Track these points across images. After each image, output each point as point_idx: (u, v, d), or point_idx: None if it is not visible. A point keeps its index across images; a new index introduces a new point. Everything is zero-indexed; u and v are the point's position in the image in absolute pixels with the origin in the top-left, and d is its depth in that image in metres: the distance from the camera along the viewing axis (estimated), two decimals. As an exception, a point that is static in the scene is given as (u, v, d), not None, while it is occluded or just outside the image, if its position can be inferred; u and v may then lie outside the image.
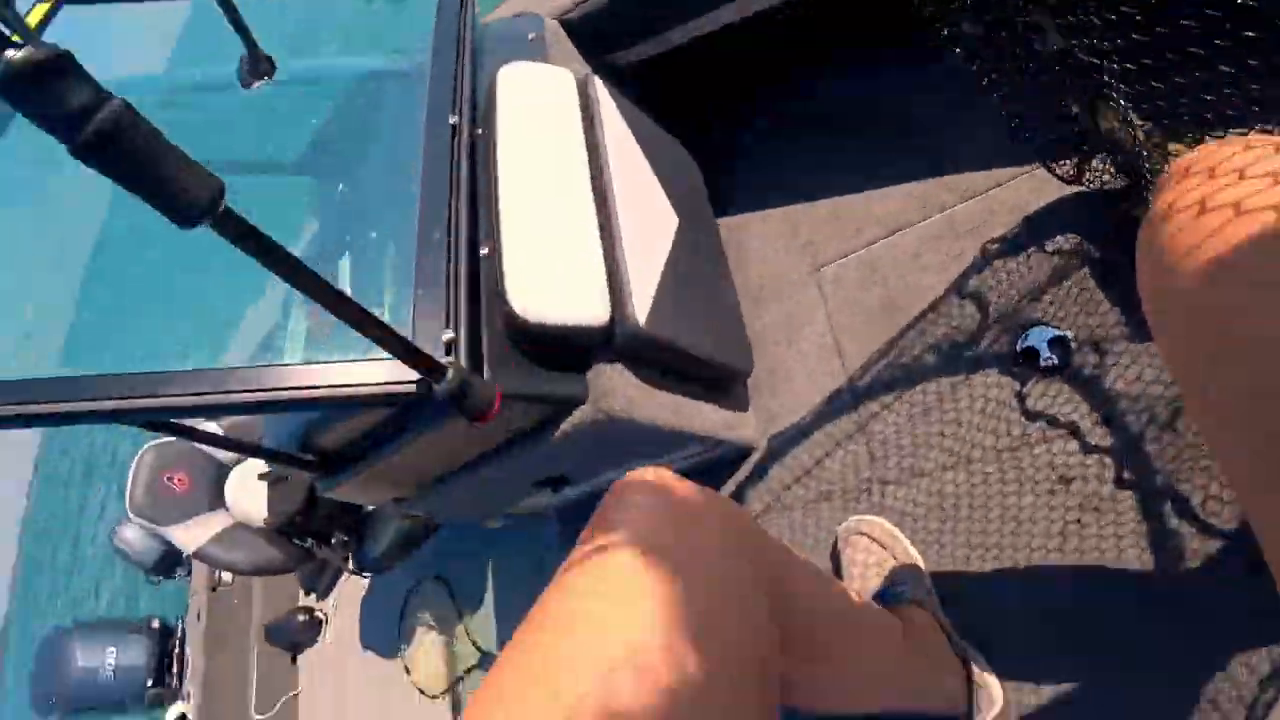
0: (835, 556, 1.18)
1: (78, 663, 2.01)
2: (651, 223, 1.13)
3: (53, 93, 0.42)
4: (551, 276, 0.94)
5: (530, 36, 1.30)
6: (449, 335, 0.86)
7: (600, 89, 1.20)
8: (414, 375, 0.80)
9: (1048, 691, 0.99)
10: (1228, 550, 0.90)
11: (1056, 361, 1.06)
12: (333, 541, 1.82)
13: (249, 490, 1.70)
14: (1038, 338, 1.09)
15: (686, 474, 1.39)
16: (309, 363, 0.82)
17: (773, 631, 0.55)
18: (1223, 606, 0.88)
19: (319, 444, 1.13)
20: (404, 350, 0.73)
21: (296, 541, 1.76)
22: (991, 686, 1.00)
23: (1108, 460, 0.98)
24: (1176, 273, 0.39)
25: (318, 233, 1.35)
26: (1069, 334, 1.07)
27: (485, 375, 0.88)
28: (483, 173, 1.06)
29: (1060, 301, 1.10)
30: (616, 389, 0.99)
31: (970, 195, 1.23)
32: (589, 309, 0.94)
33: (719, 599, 0.50)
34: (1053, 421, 1.04)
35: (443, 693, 1.86)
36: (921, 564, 1.10)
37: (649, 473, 0.59)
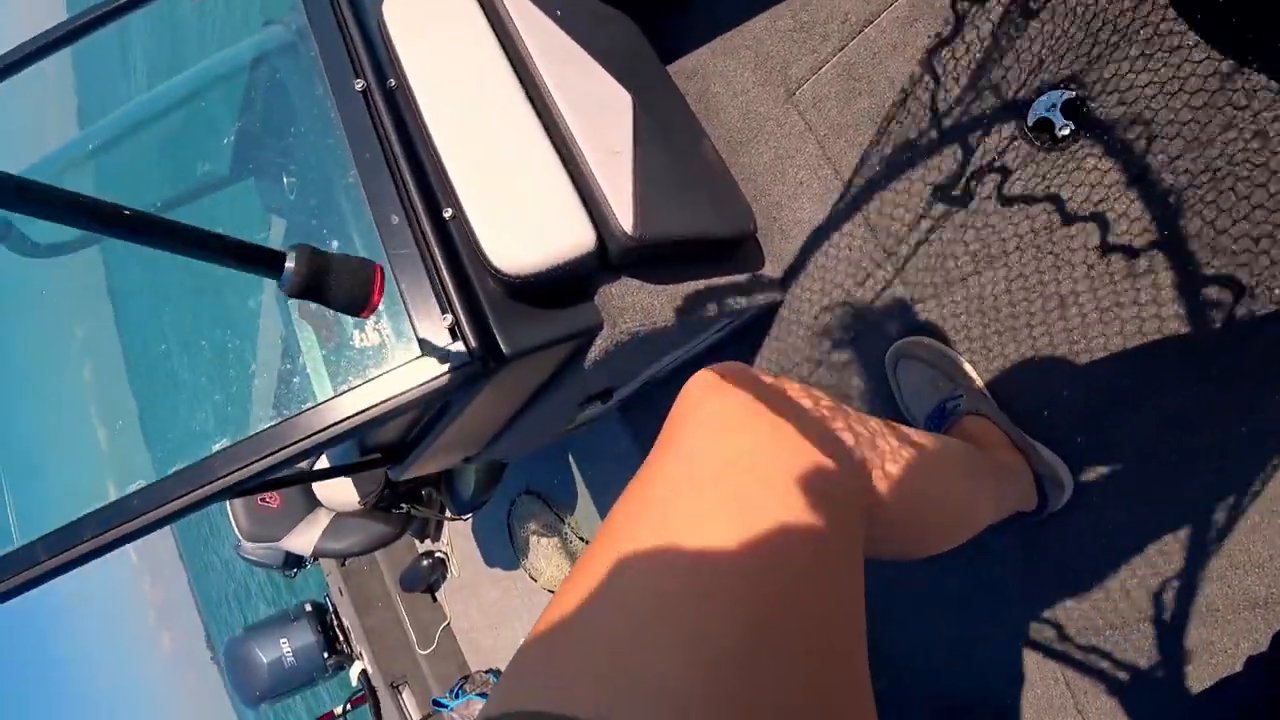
0: (887, 383, 1.19)
1: (262, 659, 2.28)
2: (605, 115, 1.04)
3: None
4: (525, 221, 0.89)
5: None
6: (449, 320, 0.84)
7: (497, -19, 1.06)
8: (465, 357, 0.80)
9: (1111, 465, 1.01)
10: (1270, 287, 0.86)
11: (1074, 126, 0.97)
12: (424, 497, 1.94)
13: (334, 483, 1.79)
14: (1048, 106, 0.99)
15: (722, 345, 1.39)
16: (366, 382, 0.83)
17: (860, 501, 0.54)
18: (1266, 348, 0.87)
19: (376, 443, 1.17)
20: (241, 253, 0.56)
21: (395, 511, 1.88)
22: (1058, 471, 1.03)
23: (1146, 219, 0.92)
24: None
25: (287, 231, 1.31)
26: (1081, 92, 0.97)
27: (499, 342, 0.87)
28: (413, 127, 0.98)
29: (1064, 52, 0.98)
30: (629, 304, 0.97)
31: (937, -48, 1.08)
32: (573, 239, 0.90)
33: (804, 486, 0.47)
34: (1080, 193, 0.97)
35: (571, 587, 2.04)
36: (972, 372, 1.10)
37: (717, 374, 0.55)
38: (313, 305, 1.06)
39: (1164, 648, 1.01)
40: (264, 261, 0.57)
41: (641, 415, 1.66)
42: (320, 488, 1.84)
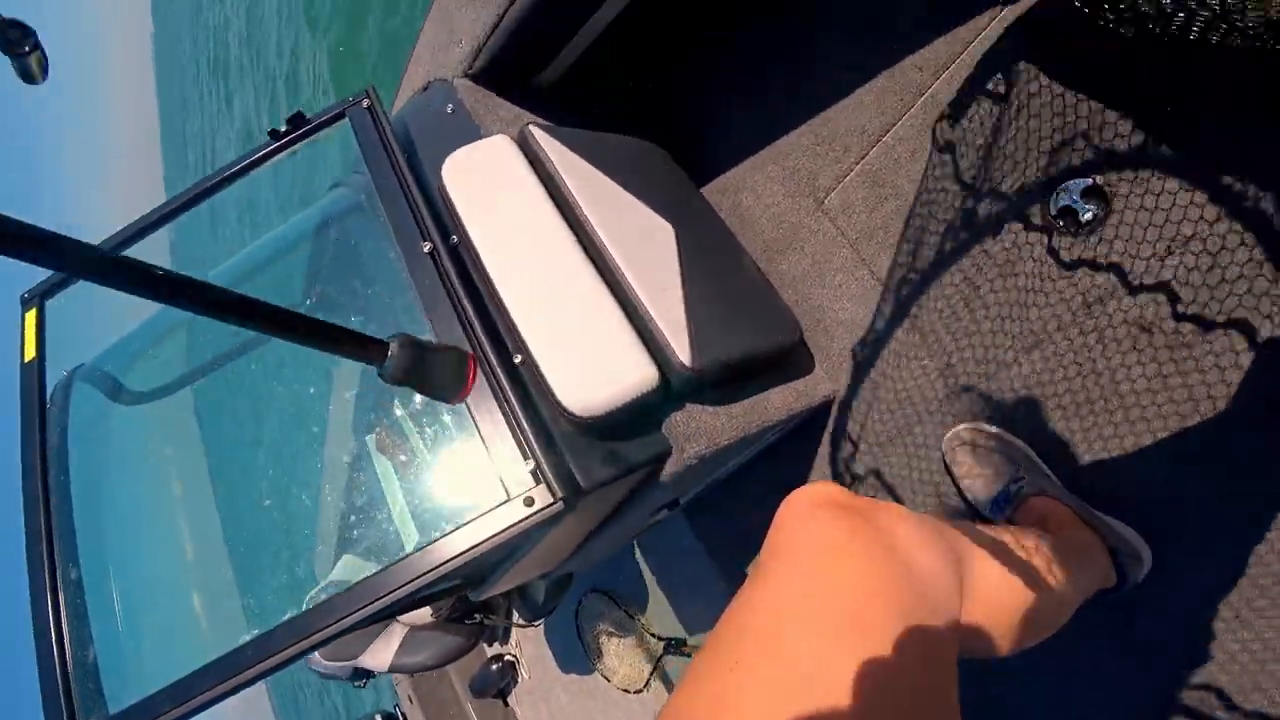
0: (949, 473, 1.21)
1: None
2: (650, 251, 1.12)
3: None
4: (593, 365, 0.95)
5: (449, 110, 1.27)
6: (531, 464, 0.90)
7: (540, 137, 1.16)
8: (549, 498, 0.85)
9: (1188, 530, 1.01)
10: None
11: (1097, 212, 1.02)
12: (494, 605, 1.96)
13: (405, 599, 1.83)
14: (1069, 195, 1.04)
15: (781, 443, 1.42)
16: (456, 529, 0.87)
17: (954, 610, 0.56)
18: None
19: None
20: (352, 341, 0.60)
21: (467, 622, 1.90)
22: (1133, 544, 1.03)
23: (1184, 292, 0.95)
24: None
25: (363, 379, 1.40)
26: (1096, 179, 1.02)
27: (576, 478, 0.93)
28: (478, 280, 1.07)
29: (1078, 143, 1.04)
30: (694, 429, 1.02)
31: (942, 66, 1.15)
32: (638, 377, 0.96)
33: (905, 605, 0.50)
34: (1113, 273, 1.01)
35: (644, 686, 2.02)
36: (1031, 453, 1.11)
37: (811, 499, 0.58)
38: (397, 452, 1.13)
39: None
40: (368, 349, 0.59)
41: (705, 513, 1.68)
42: (393, 604, 1.88)
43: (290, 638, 0.90)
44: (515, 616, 2.03)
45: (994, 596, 0.67)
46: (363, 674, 2.46)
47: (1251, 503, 0.95)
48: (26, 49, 0.75)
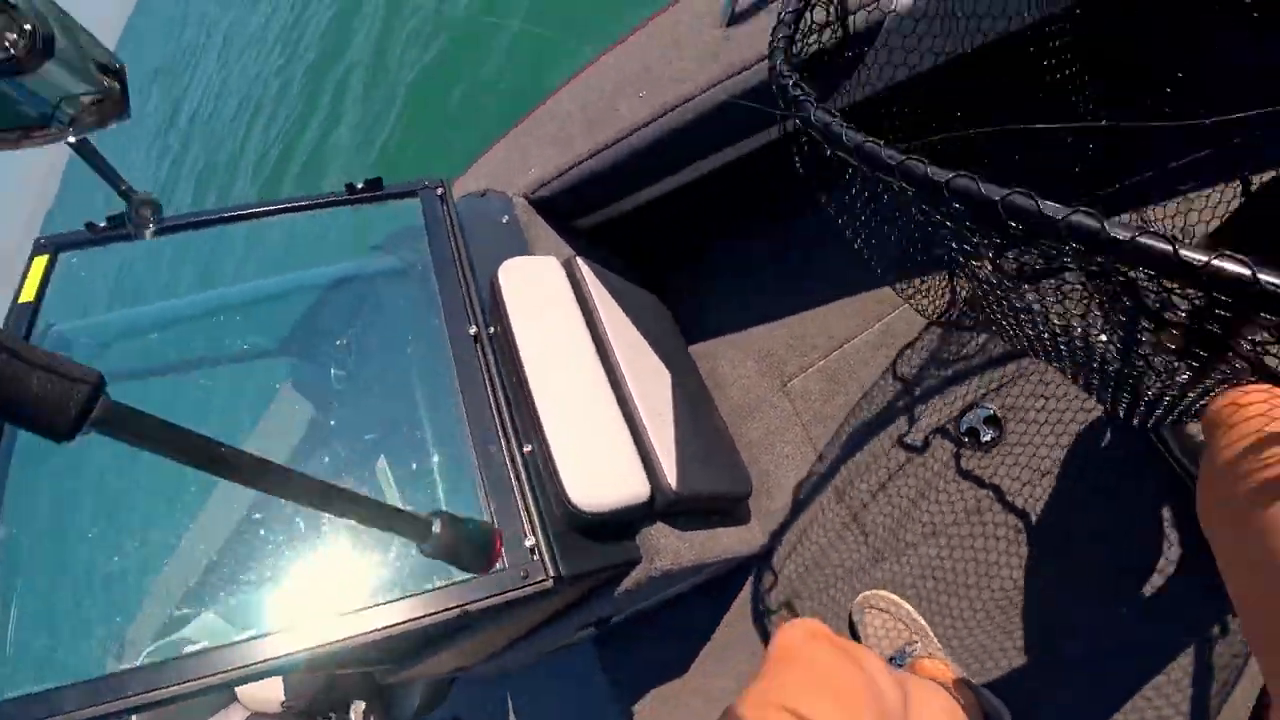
0: (852, 629, 1.38)
1: None
2: (654, 385, 1.30)
3: None
4: (600, 471, 1.08)
5: (504, 220, 1.45)
6: (530, 541, 0.98)
7: (584, 269, 1.36)
8: (542, 574, 0.92)
9: (1057, 694, 1.21)
10: (1158, 546, 1.17)
11: (994, 435, 1.32)
12: (350, 712, 1.82)
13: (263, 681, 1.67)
14: (975, 419, 1.34)
15: (707, 585, 1.54)
16: (439, 588, 0.91)
17: None
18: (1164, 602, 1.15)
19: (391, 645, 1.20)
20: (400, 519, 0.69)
21: (318, 719, 1.74)
22: (1001, 713, 1.22)
23: (1051, 507, 1.24)
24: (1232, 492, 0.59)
25: (338, 421, 1.43)
26: (995, 410, 1.33)
27: (559, 565, 1.01)
28: (506, 368, 1.19)
29: (985, 381, 1.36)
30: (664, 546, 1.14)
31: (898, 304, 1.49)
32: (635, 491, 1.09)
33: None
34: (1001, 482, 1.30)
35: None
36: (923, 622, 1.32)
37: (809, 627, 0.78)
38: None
39: None
40: (413, 526, 0.69)
41: (617, 640, 1.69)
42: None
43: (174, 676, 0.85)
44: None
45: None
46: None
47: (1113, 686, 1.16)
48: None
